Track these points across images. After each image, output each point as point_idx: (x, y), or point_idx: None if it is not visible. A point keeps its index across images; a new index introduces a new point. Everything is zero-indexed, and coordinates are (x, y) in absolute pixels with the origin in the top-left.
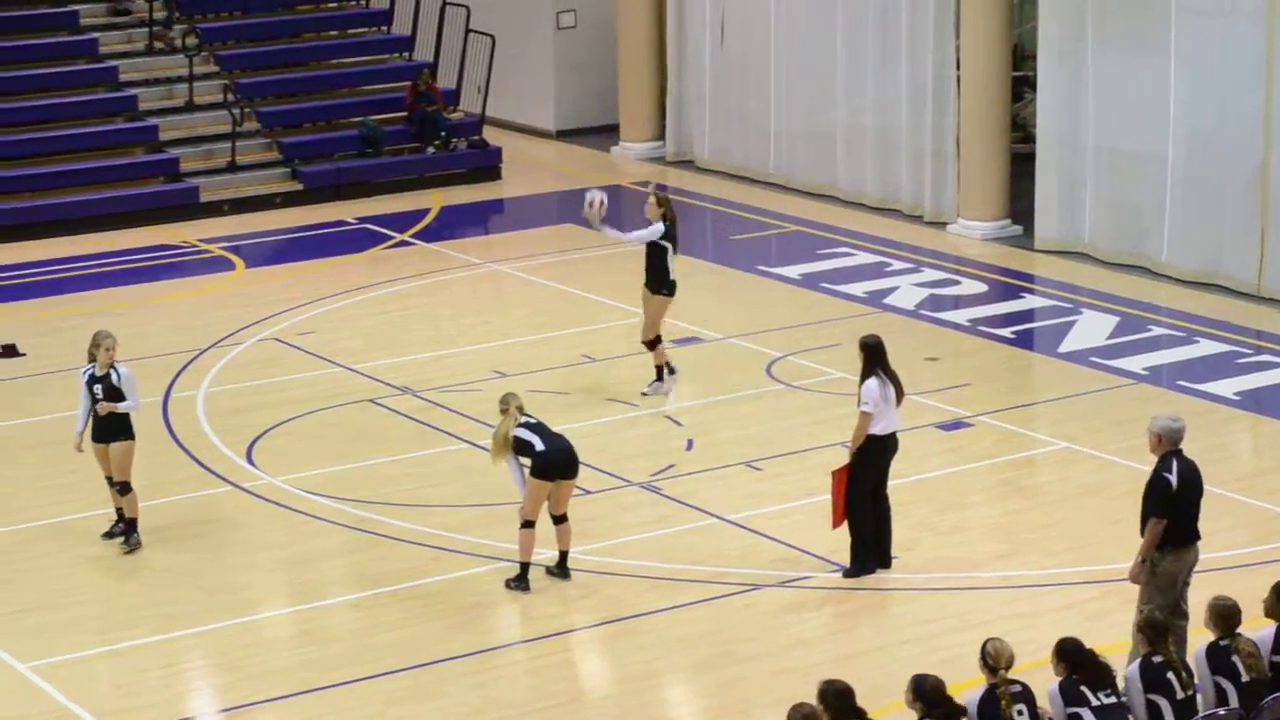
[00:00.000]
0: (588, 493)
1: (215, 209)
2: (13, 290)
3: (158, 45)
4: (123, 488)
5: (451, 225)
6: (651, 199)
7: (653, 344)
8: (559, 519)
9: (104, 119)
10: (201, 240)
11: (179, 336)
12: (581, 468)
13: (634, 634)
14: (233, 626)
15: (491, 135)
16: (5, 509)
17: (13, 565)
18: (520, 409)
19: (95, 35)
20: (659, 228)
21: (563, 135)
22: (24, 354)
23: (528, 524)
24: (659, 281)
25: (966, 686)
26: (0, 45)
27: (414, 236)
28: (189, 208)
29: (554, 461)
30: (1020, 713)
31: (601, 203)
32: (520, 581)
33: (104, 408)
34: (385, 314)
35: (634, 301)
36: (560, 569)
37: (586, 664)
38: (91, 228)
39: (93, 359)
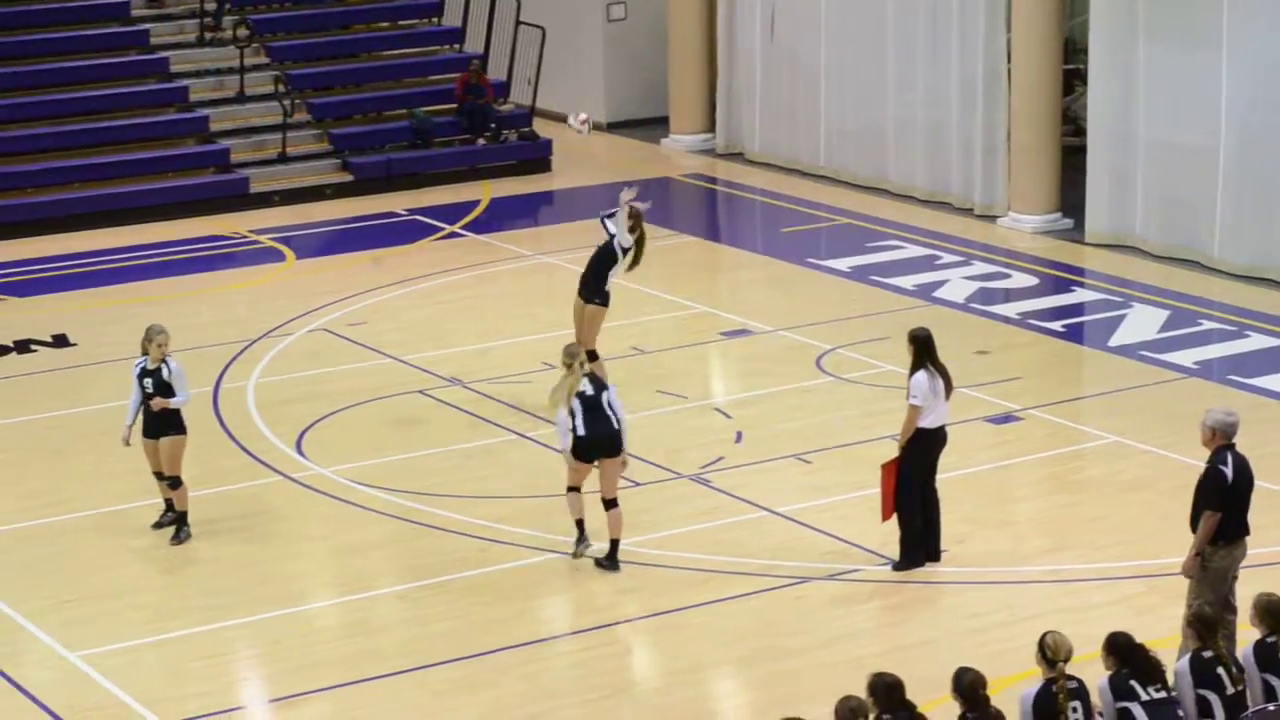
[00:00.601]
0: (637, 484)
1: (266, 200)
2: (63, 280)
3: (209, 36)
4: (173, 482)
5: (501, 217)
6: (627, 208)
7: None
8: (610, 503)
9: (155, 110)
10: (252, 231)
11: (229, 327)
12: (631, 460)
13: (683, 626)
14: (281, 617)
15: (541, 127)
16: (55, 499)
17: (62, 555)
18: (583, 364)
19: (146, 26)
20: (629, 239)
21: (613, 127)
22: (75, 344)
23: (572, 489)
24: (593, 290)
25: (1015, 680)
26: (52, 36)
27: (464, 228)
28: (240, 198)
29: (591, 444)
30: (1075, 709)
31: (585, 120)
32: (581, 540)
33: (158, 404)
34: (435, 305)
35: (684, 294)
36: (610, 560)
37: (635, 656)
38: (142, 218)
39: (145, 352)
